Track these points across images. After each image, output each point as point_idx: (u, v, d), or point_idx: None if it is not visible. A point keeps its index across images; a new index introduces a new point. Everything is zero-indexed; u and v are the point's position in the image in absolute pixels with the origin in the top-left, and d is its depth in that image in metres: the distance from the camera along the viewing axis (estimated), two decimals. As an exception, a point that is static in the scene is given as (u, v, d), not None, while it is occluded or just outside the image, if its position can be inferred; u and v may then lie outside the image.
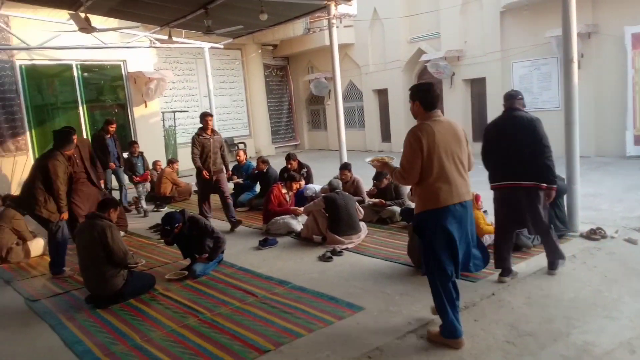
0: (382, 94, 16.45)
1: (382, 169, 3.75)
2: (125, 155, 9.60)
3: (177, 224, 5.22)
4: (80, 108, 12.60)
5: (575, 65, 5.74)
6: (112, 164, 8.61)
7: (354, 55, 16.92)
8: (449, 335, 3.33)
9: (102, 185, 7.18)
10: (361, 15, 15.98)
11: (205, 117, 7.10)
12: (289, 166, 8.18)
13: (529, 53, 12.17)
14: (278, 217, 6.77)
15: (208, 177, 6.95)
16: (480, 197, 5.40)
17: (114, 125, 8.76)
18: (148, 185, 9.50)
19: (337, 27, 14.78)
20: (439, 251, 3.30)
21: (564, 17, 5.77)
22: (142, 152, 9.84)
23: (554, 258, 4.45)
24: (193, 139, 7.04)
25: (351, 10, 16.25)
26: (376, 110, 16.76)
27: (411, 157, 3.29)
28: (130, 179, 9.40)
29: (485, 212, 6.40)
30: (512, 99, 4.42)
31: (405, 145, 3.37)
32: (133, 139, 9.95)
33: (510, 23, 12.68)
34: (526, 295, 4.05)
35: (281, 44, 18.34)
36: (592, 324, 3.55)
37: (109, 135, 8.61)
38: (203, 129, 7.05)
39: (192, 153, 6.97)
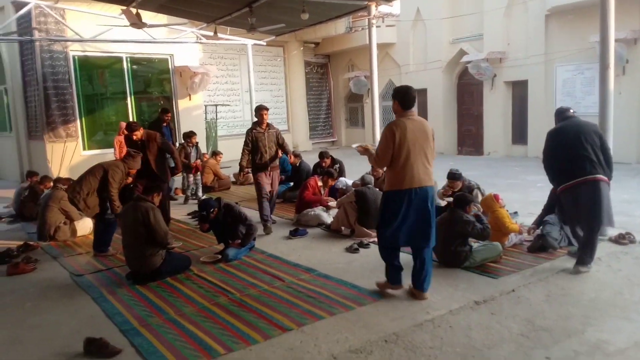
0: (421, 94, 16.40)
1: (364, 153, 4.36)
2: (177, 144, 9.92)
3: (212, 209, 5.52)
4: (129, 99, 13.18)
5: (611, 71, 5.69)
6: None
7: (394, 55, 16.95)
8: (392, 282, 4.21)
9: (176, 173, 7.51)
10: (404, 15, 16.00)
11: (260, 110, 6.69)
12: (323, 164, 8.38)
13: (573, 57, 11.94)
14: (309, 209, 7.00)
15: (243, 178, 6.77)
16: (499, 196, 5.48)
17: (170, 115, 9.06)
18: (199, 176, 9.69)
19: (379, 26, 15.01)
20: (394, 225, 4.02)
21: (602, 23, 5.75)
22: (197, 143, 10.05)
23: (587, 255, 4.55)
24: (247, 132, 6.73)
25: (394, 10, 16.33)
26: (415, 110, 16.71)
27: (384, 146, 3.99)
28: (187, 167, 9.36)
29: (515, 213, 6.46)
30: (566, 111, 4.87)
31: (381, 136, 4.06)
32: (187, 131, 10.13)
33: (555, 26, 12.47)
34: (546, 293, 4.11)
35: (323, 42, 18.57)
36: (609, 323, 3.60)
37: (165, 124, 8.93)
38: (257, 123, 6.69)
39: (242, 150, 6.72)
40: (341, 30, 16.85)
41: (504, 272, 4.61)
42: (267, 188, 6.73)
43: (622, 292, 4.12)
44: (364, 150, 4.32)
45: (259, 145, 6.61)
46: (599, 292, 4.12)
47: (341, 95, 19.62)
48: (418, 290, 4.16)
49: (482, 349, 3.29)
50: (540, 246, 5.07)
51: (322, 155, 8.44)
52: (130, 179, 6.31)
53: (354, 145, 4.44)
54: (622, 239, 5.23)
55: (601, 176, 4.49)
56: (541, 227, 5.31)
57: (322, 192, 7.52)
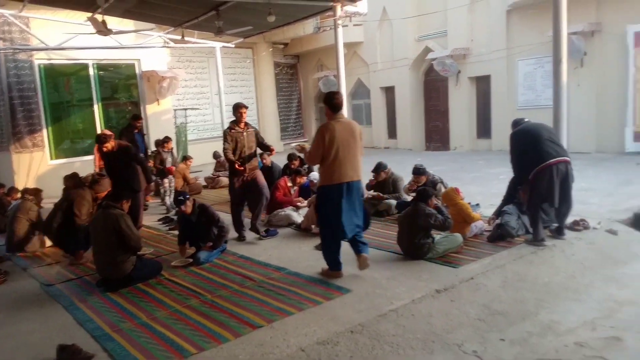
0: (389, 91, 16.69)
1: (301, 152, 5.01)
2: (151, 150, 9.85)
3: (188, 196, 5.73)
4: (95, 106, 13.04)
5: (564, 65, 6.00)
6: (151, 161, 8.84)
7: (362, 54, 17.18)
8: (334, 269, 4.72)
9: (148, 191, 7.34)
10: (371, 15, 16.23)
11: (238, 108, 6.27)
12: (292, 165, 8.50)
13: (533, 51, 12.31)
14: (280, 210, 7.12)
15: (242, 168, 6.24)
16: (459, 190, 5.72)
17: (141, 121, 9.00)
18: (173, 182, 9.60)
19: (346, 26, 15.18)
20: (331, 215, 4.57)
21: (555, 18, 6.03)
22: (172, 149, 9.88)
23: (563, 225, 5.30)
24: (225, 133, 6.39)
25: (361, 9, 16.55)
26: (383, 108, 17.02)
27: (315, 146, 4.56)
28: (161, 172, 9.21)
29: (477, 205, 6.71)
30: (522, 120, 5.58)
31: (314, 137, 4.63)
32: (162, 137, 9.97)
33: (516, 21, 12.85)
34: (503, 280, 4.33)
35: (292, 43, 18.69)
36: (561, 305, 3.82)
37: (136, 131, 8.88)
38: (235, 122, 6.33)
39: (225, 148, 6.29)
40: (309, 31, 16.99)
41: (465, 262, 4.82)
42: (240, 195, 6.40)
43: (575, 275, 4.37)
44: (301, 149, 4.95)
45: (238, 146, 6.30)
46: (552, 277, 4.36)
47: (311, 95, 19.77)
48: (361, 254, 4.68)
49: (442, 333, 3.47)
50: (498, 235, 5.30)
51: (291, 157, 8.57)
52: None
53: (293, 144, 4.97)
54: (576, 226, 5.49)
55: (569, 159, 5.12)
56: (500, 217, 5.54)
57: (292, 192, 7.64)
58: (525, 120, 5.49)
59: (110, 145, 6.50)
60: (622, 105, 10.95)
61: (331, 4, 9.75)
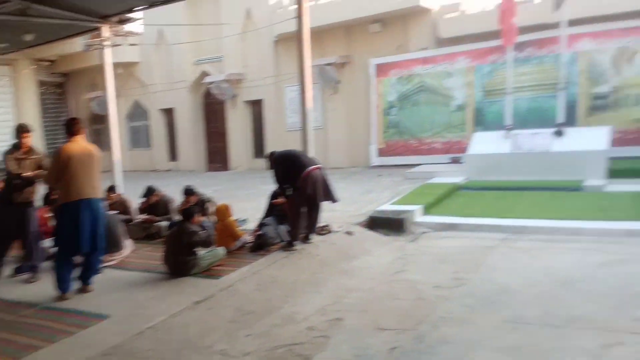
0: (169, 113, 16.64)
1: (36, 178, 5.39)
2: None
3: None
4: None
5: (308, 93, 6.93)
6: None
7: (140, 74, 16.80)
8: (62, 289, 4.84)
9: None
10: (147, 36, 15.96)
11: (21, 132, 5.55)
12: (52, 195, 7.89)
13: (297, 79, 13.63)
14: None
15: (29, 175, 5.46)
16: (230, 207, 6.16)
17: None
18: None
19: (121, 45, 14.63)
20: (70, 231, 4.74)
21: (299, 56, 6.93)
22: None
23: (313, 231, 6.09)
24: (4, 154, 5.55)
25: (136, 29, 16.13)
26: (163, 130, 16.88)
27: (52, 167, 4.91)
28: None
29: (245, 220, 7.24)
30: (273, 151, 6.49)
31: (51, 158, 5.00)
32: None
33: (282, 51, 14.15)
34: (257, 283, 4.82)
35: (59, 60, 17.30)
36: (302, 298, 4.45)
37: None
38: (17, 147, 5.58)
39: (7, 166, 5.48)
40: (79, 48, 15.84)
41: (226, 272, 5.18)
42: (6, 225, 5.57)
43: (316, 272, 5.11)
44: (35, 175, 5.36)
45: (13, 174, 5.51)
46: (299, 275, 5.02)
47: (83, 116, 18.43)
48: (86, 285, 5.02)
49: (195, 340, 3.75)
50: (258, 245, 5.85)
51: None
52: None
53: (25, 174, 5.39)
54: (321, 231, 6.37)
55: (322, 166, 6.06)
56: (260, 228, 6.12)
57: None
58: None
59: None
60: (367, 126, 12.93)
61: (95, 25, 9.42)
